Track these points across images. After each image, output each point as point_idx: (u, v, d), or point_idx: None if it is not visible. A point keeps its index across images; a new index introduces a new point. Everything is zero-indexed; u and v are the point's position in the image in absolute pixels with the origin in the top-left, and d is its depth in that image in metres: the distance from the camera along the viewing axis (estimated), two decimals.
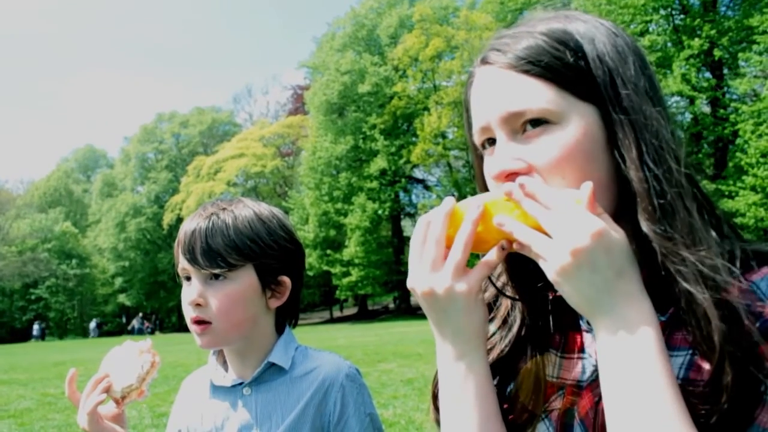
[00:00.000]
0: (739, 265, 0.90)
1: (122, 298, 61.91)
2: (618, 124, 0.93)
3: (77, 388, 1.59)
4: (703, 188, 0.98)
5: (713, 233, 0.90)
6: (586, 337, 1.02)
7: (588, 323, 1.02)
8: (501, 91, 0.97)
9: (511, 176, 0.94)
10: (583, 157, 0.92)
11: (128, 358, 1.55)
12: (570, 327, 1.04)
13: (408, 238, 48.19)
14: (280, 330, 1.61)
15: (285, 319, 1.63)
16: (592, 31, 0.97)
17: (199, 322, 1.48)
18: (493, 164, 0.98)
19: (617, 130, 0.93)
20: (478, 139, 1.02)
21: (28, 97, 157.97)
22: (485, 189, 1.04)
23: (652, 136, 0.92)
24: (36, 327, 55.78)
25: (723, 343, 0.83)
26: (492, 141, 1.00)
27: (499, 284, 1.13)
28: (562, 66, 0.94)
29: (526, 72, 0.95)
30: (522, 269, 1.05)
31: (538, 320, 1.08)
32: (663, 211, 0.89)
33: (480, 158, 1.06)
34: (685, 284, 0.86)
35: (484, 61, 1.01)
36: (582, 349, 1.03)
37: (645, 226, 0.90)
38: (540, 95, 0.94)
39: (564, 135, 0.93)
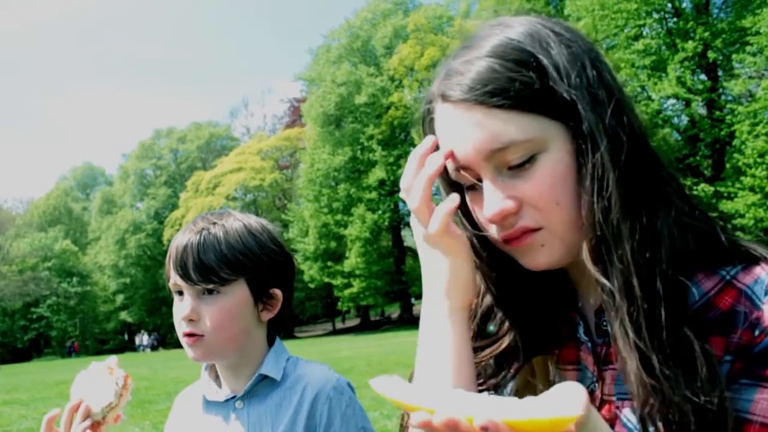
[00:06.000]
0: (728, 266, 0.89)
1: (124, 315, 61.94)
2: (580, 150, 0.89)
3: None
4: (678, 192, 0.93)
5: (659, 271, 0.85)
6: (582, 349, 1.01)
7: (585, 335, 1.00)
8: (478, 130, 0.89)
9: (507, 216, 0.91)
10: (572, 177, 0.89)
11: (99, 378, 1.51)
12: (566, 338, 1.02)
13: (408, 248, 48.38)
14: (270, 342, 1.61)
15: (275, 330, 1.62)
16: (546, 40, 0.91)
17: (190, 335, 1.47)
18: (488, 205, 0.92)
19: (579, 156, 0.89)
20: (458, 179, 0.97)
21: (26, 116, 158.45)
22: (470, 219, 1.01)
23: (605, 160, 0.86)
24: (146, 338, 55.25)
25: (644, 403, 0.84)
26: (474, 181, 0.95)
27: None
28: (532, 93, 0.88)
29: (500, 107, 0.88)
30: (510, 291, 1.04)
31: (530, 332, 1.05)
32: (600, 245, 0.87)
33: (455, 189, 1.01)
34: (616, 343, 0.86)
35: (446, 98, 0.94)
36: (578, 361, 1.01)
37: (588, 264, 0.88)
38: (519, 129, 0.88)
39: (551, 161, 0.89)
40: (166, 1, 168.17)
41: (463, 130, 0.91)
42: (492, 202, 0.91)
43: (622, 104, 0.91)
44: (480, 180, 0.93)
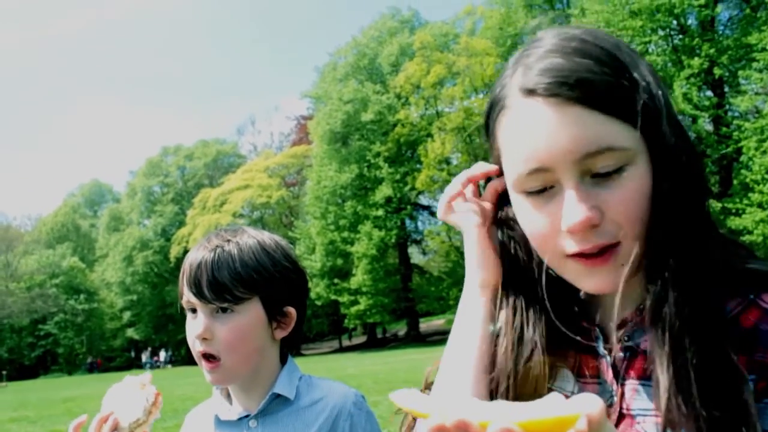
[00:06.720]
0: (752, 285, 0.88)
1: (131, 332, 61.94)
2: (655, 166, 0.88)
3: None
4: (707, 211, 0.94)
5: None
6: (601, 363, 1.00)
7: (605, 348, 1.00)
8: (574, 129, 0.85)
9: (589, 228, 0.87)
10: (651, 193, 0.87)
11: (130, 393, 1.52)
12: (585, 351, 1.02)
13: (415, 265, 48.10)
14: (282, 360, 1.60)
15: (288, 348, 1.61)
16: (631, 54, 0.91)
17: (207, 357, 1.46)
18: (571, 214, 0.86)
19: (654, 171, 0.88)
20: (525, 181, 0.91)
21: (33, 133, 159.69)
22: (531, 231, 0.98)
23: (677, 177, 0.87)
24: (163, 354, 55.28)
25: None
26: (543, 186, 0.91)
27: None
28: (631, 102, 0.85)
29: (600, 109, 0.84)
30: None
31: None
32: (660, 261, 0.87)
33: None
34: (650, 357, 0.87)
35: (532, 93, 0.88)
36: (597, 375, 1.01)
37: (643, 279, 0.88)
38: (618, 136, 0.85)
39: (638, 174, 0.86)
40: (174, 18, 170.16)
41: (554, 128, 0.86)
42: (577, 211, 0.86)
43: (680, 122, 0.92)
44: (551, 186, 0.90)
